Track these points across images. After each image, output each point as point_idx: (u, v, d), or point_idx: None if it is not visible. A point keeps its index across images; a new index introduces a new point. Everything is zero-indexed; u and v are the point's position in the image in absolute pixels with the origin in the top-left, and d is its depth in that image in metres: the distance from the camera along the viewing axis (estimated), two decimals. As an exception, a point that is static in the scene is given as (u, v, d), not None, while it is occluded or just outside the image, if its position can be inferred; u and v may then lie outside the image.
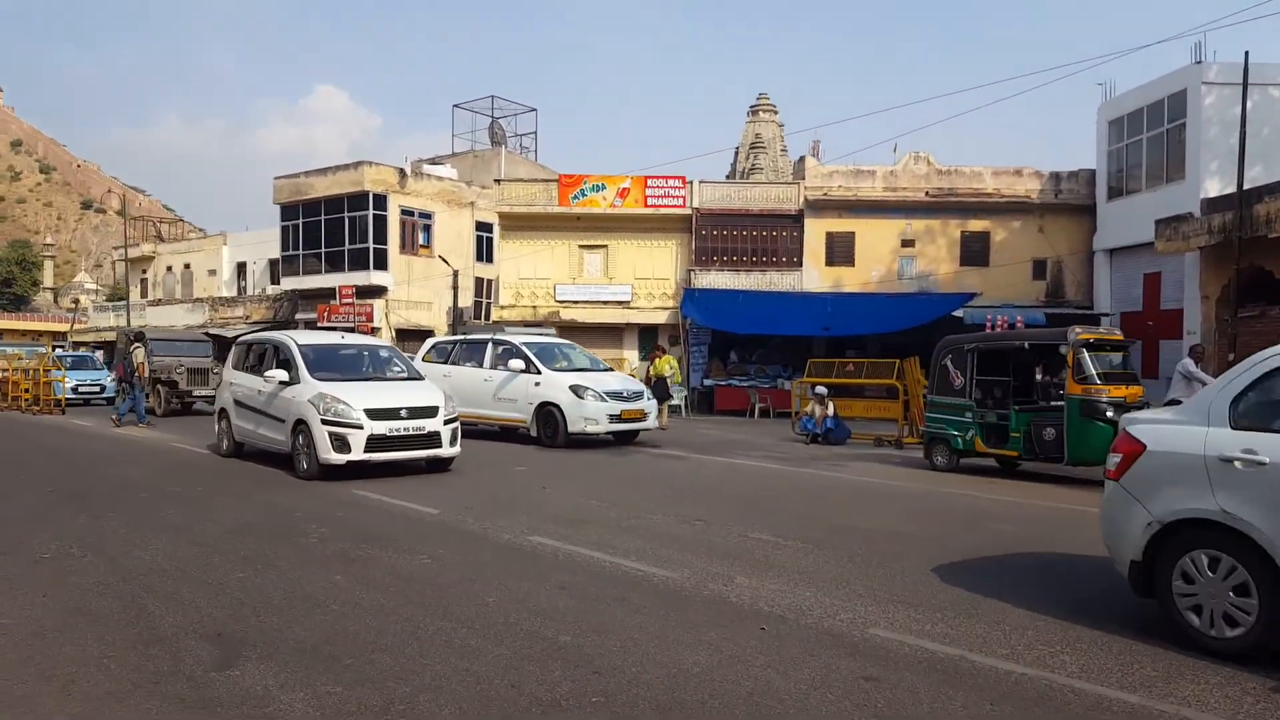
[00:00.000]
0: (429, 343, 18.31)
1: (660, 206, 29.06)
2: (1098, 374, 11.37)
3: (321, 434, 10.64)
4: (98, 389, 26.88)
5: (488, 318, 29.89)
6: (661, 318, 29.74)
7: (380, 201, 33.19)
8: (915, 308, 25.49)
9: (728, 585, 6.07)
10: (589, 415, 14.65)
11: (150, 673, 4.29)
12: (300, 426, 11.02)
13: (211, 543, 7.24)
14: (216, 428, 13.66)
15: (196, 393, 21.88)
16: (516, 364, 15.27)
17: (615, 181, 29.27)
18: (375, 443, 10.82)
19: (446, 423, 11.46)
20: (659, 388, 19.68)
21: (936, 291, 27.84)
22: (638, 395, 15.67)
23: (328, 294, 34.21)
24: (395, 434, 10.98)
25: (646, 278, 29.89)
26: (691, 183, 29.24)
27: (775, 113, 43.25)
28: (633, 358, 30.17)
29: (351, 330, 32.70)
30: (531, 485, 10.68)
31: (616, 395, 15.09)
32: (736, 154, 42.41)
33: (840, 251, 29.16)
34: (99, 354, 38.12)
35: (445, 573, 6.36)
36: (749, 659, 4.60)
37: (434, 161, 37.81)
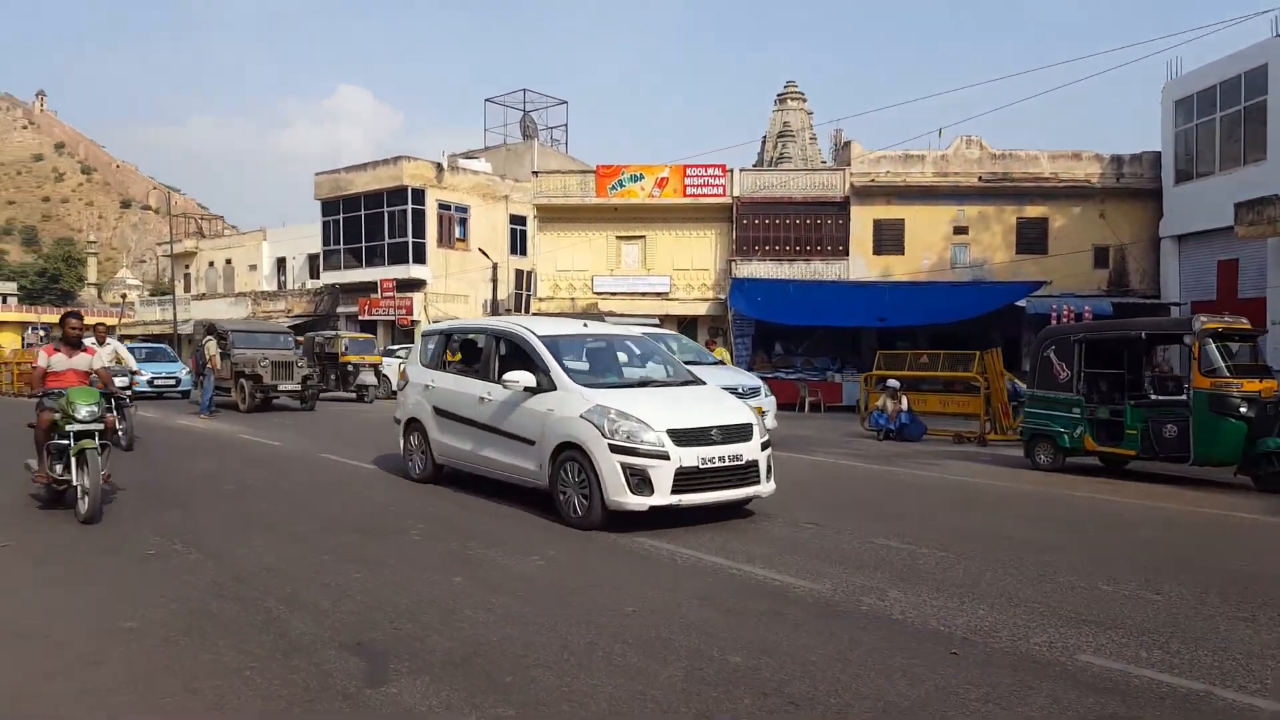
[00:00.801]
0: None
1: (699, 196, 28.37)
2: (1227, 366, 10.50)
3: (612, 466, 7.21)
4: (173, 382, 25.56)
5: (527, 309, 29.43)
6: (701, 309, 29.07)
7: (418, 196, 32.89)
8: (976, 297, 24.54)
9: (883, 599, 5.51)
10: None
11: (301, 688, 4.00)
12: (568, 453, 7.63)
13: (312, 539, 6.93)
14: (403, 443, 10.12)
15: (281, 387, 20.33)
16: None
17: (653, 171, 28.63)
18: (685, 479, 7.31)
19: (762, 446, 7.93)
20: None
21: (991, 281, 26.82)
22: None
23: (368, 287, 34.02)
24: (708, 465, 7.42)
25: (685, 268, 29.23)
26: (731, 171, 28.51)
27: (804, 100, 42.23)
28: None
29: (391, 321, 32.47)
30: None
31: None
32: (764, 143, 41.51)
33: (889, 239, 28.25)
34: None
35: (564, 576, 6.01)
36: (958, 690, 4.02)
37: (468, 156, 37.43)
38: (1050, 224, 28.28)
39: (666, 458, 7.26)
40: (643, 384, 8.68)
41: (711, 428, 7.62)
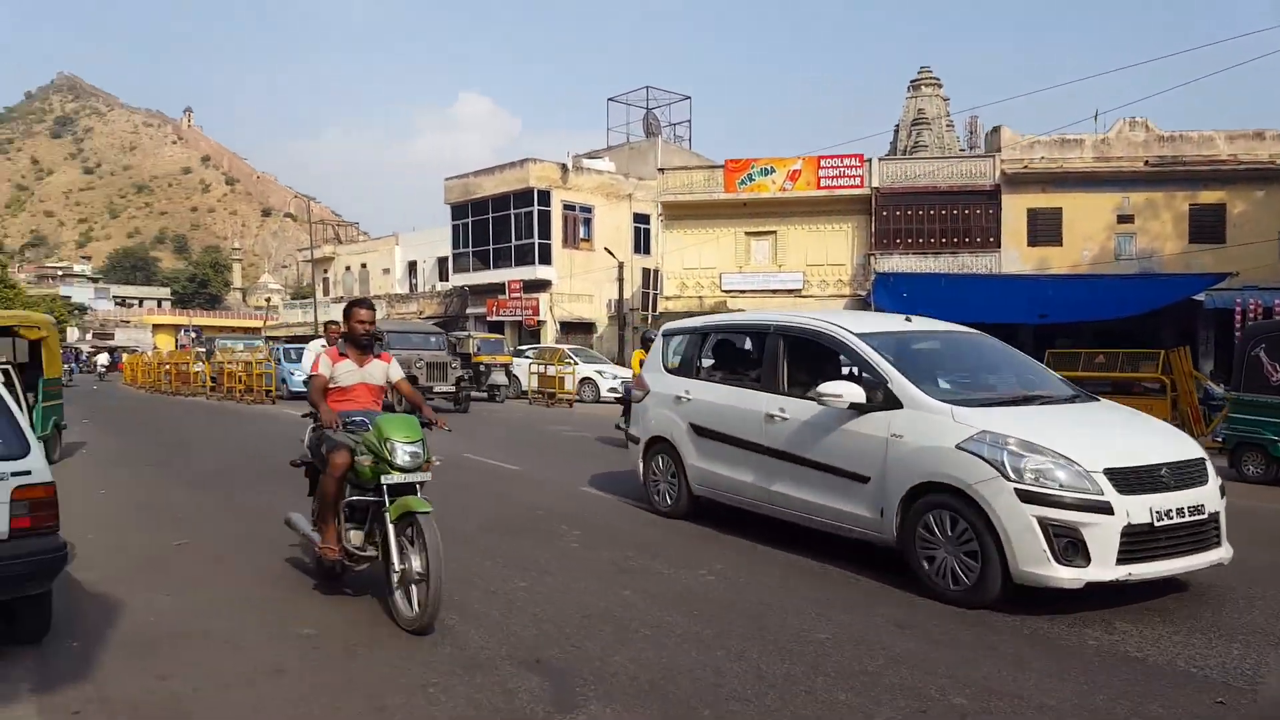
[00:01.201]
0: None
1: (835, 188, 27.01)
2: None
3: (1023, 522, 4.95)
4: None
5: (654, 309, 28.72)
6: (837, 306, 27.61)
7: (544, 197, 32.69)
8: (1149, 291, 22.38)
9: (1110, 631, 4.73)
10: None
11: (489, 709, 3.81)
12: (933, 498, 5.42)
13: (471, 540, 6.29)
14: (643, 467, 8.13)
15: (437, 389, 19.37)
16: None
17: (785, 164, 27.42)
18: (1134, 542, 5.00)
19: (1220, 491, 5.55)
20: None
21: (1162, 273, 24.44)
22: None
23: (495, 289, 34.06)
24: (1165, 522, 5.07)
25: (819, 264, 27.91)
26: (870, 161, 27.02)
27: (939, 86, 40.17)
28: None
29: (520, 321, 32.37)
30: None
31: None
32: (896, 131, 39.65)
33: (1045, 230, 26.19)
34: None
35: (738, 593, 5.53)
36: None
37: (591, 156, 37.05)
38: (1229, 210, 25.66)
39: (1109, 510, 4.92)
40: (1027, 400, 6.09)
41: (1160, 465, 5.26)
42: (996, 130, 26.54)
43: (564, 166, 33.18)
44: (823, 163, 27.02)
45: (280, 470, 10.17)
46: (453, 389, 19.78)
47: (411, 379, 17.56)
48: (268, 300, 75.67)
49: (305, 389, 23.57)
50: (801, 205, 27.51)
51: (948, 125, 40.08)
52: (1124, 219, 25.99)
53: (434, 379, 19.34)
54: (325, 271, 55.03)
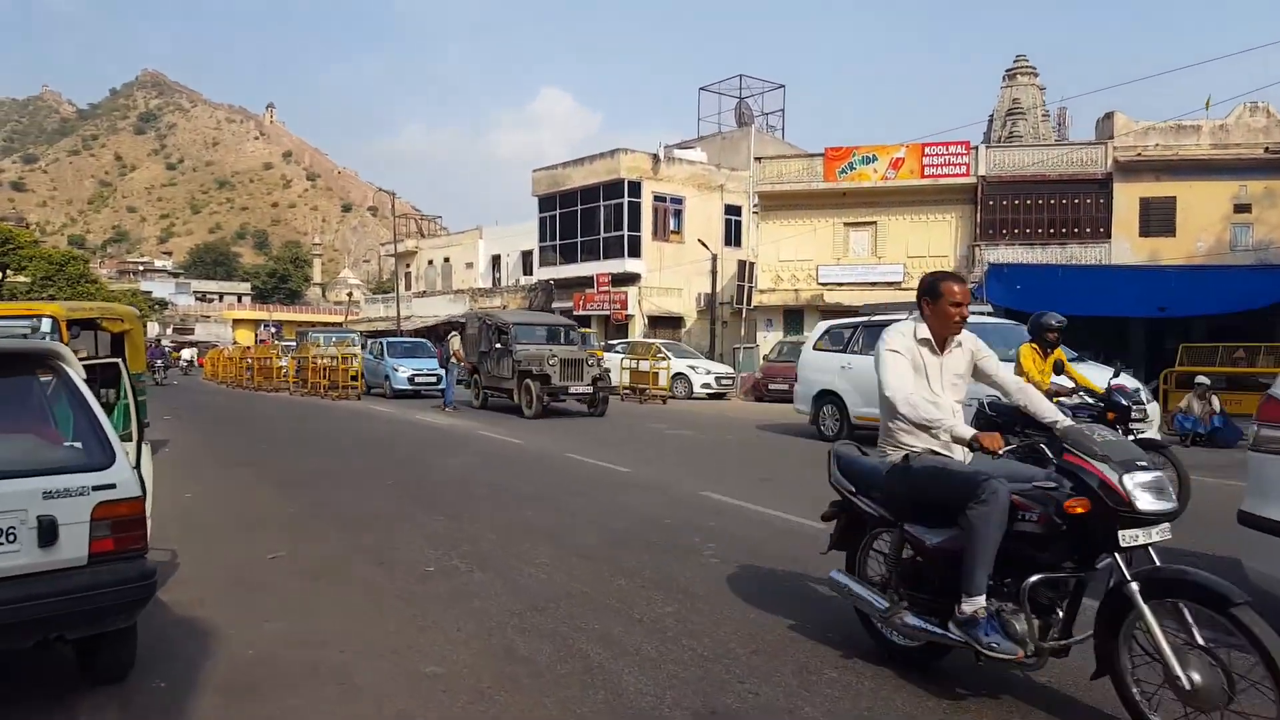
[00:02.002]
0: (821, 327, 14.24)
1: (939, 176, 26.51)
2: None
3: None
4: (434, 379, 23.08)
5: (749, 302, 28.56)
6: (940, 300, 27.16)
7: (634, 188, 32.67)
8: (1267, 283, 21.48)
9: None
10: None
11: None
12: None
13: (600, 556, 6.16)
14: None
15: (572, 390, 17.18)
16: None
17: (887, 152, 27.01)
18: None
19: None
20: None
21: (1273, 264, 23.41)
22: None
23: (582, 282, 34.19)
24: None
25: (920, 256, 27.39)
26: (976, 148, 26.47)
27: (1035, 75, 39.18)
28: (906, 344, 27.78)
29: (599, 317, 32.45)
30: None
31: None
32: (990, 121, 38.73)
33: (1158, 220, 25.36)
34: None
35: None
36: None
37: (682, 146, 36.95)
38: (1355, 198, 24.55)
39: None
40: None
41: None
42: (1110, 117, 25.75)
43: (655, 157, 33.13)
44: (927, 150, 26.54)
45: (380, 473, 10.27)
46: (589, 389, 17.38)
47: (544, 377, 16.51)
48: (349, 295, 77.29)
49: (408, 388, 22.75)
50: (903, 195, 27.08)
51: (1043, 115, 39.06)
52: (1240, 208, 25.03)
53: (568, 378, 17.04)
54: (408, 266, 55.93)
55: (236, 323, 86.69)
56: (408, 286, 54.09)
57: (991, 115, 39.35)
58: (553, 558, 6.13)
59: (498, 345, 18.46)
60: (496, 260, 48.88)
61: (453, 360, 19.87)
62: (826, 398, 13.01)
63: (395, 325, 46.28)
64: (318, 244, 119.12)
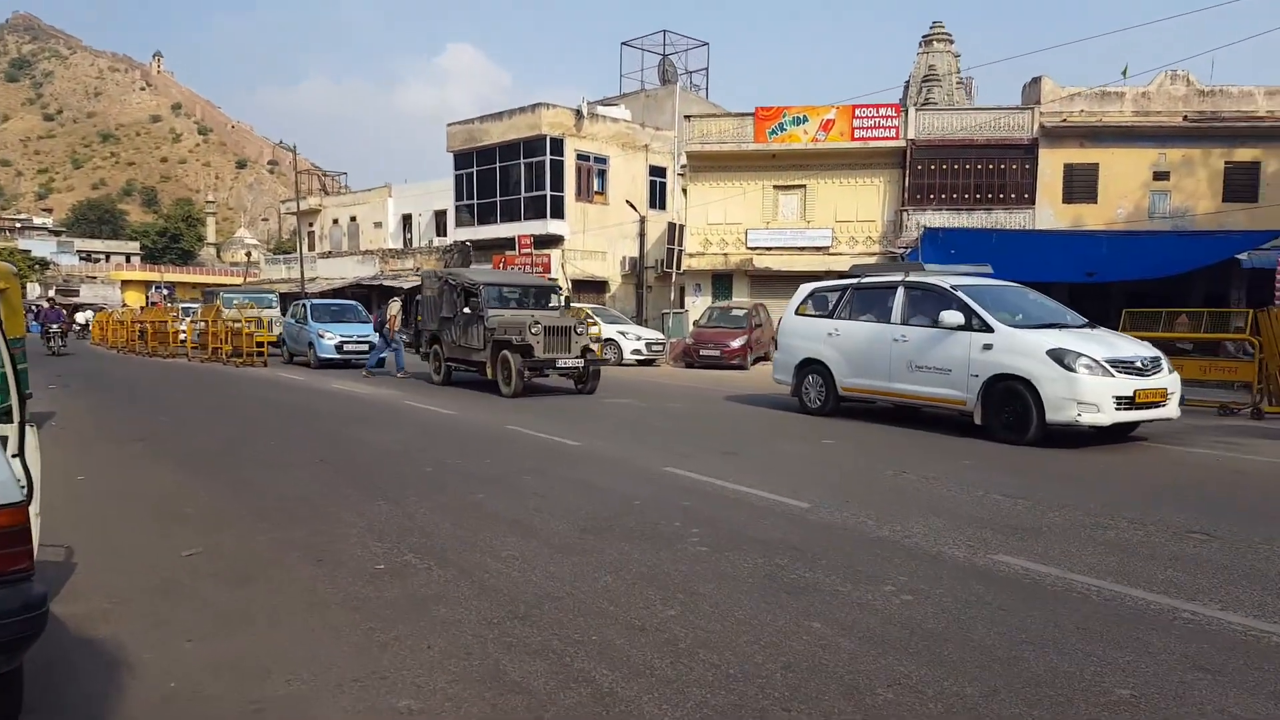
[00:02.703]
0: (805, 290, 12.96)
1: (869, 139, 26.18)
2: None
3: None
4: (365, 348, 20.36)
5: (678, 266, 27.85)
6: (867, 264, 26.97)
7: (556, 146, 31.44)
8: (1202, 249, 21.85)
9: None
10: (1084, 397, 9.11)
11: None
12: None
13: (575, 547, 5.35)
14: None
15: (560, 363, 14.38)
16: (950, 317, 10.06)
17: (818, 113, 26.52)
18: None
19: None
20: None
21: (1205, 230, 23.91)
22: (1155, 365, 9.74)
23: (502, 244, 32.90)
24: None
25: (849, 220, 27.15)
26: (906, 111, 26.21)
27: (951, 42, 39.50)
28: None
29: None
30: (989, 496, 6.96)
31: (1128, 366, 9.45)
32: (906, 88, 38.90)
33: (1080, 186, 25.61)
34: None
35: (966, 625, 4.20)
36: None
37: (605, 103, 35.80)
38: (1263, 169, 25.21)
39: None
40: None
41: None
42: (1036, 81, 25.78)
43: (578, 113, 31.92)
44: (857, 112, 26.15)
45: (304, 449, 9.08)
46: (577, 363, 14.52)
47: (524, 349, 14.00)
48: (247, 255, 73.79)
49: (336, 356, 19.85)
50: (832, 157, 26.67)
51: (958, 83, 39.40)
52: (1159, 176, 25.46)
53: (554, 349, 14.28)
54: (311, 225, 53.32)
55: (125, 284, 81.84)
56: (311, 247, 51.58)
57: (908, 81, 39.43)
58: (521, 550, 5.30)
59: (465, 310, 15.49)
60: (407, 220, 46.98)
61: (387, 328, 19.00)
62: (810, 367, 12.18)
63: (300, 287, 44.08)
64: (211, 202, 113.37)
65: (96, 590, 4.57)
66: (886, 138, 25.96)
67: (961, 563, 5.11)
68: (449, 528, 5.82)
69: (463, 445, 9.42)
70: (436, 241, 43.09)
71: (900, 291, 11.01)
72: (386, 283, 39.79)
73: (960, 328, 9.97)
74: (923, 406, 11.09)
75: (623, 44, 39.48)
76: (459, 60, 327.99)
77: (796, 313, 12.74)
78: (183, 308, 36.44)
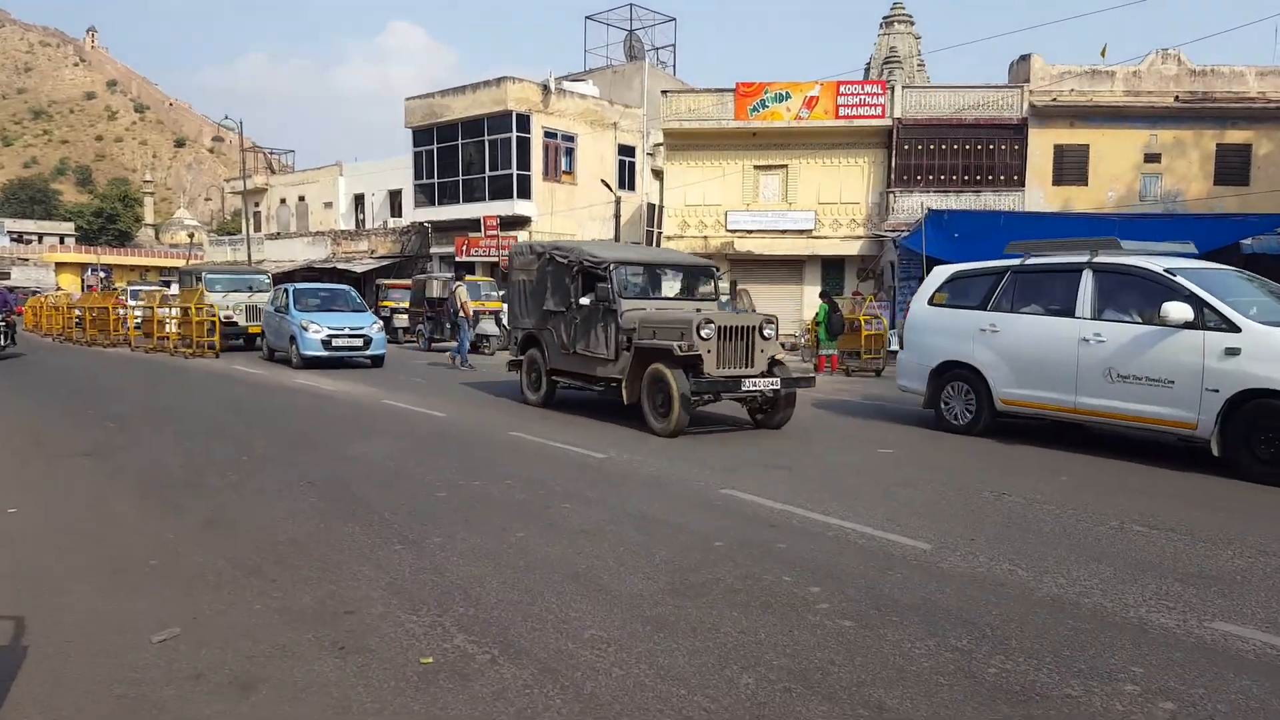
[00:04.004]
0: (941, 274, 10.32)
1: (854, 117, 25.13)
2: None
3: None
4: (360, 342, 17.38)
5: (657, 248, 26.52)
6: (851, 248, 26.03)
7: (523, 122, 29.87)
8: (1213, 233, 21.04)
9: None
10: None
11: None
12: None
13: (675, 619, 4.11)
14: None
15: (749, 384, 9.53)
16: (1176, 310, 7.68)
17: (801, 90, 25.40)
18: None
19: None
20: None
21: (1201, 214, 23.26)
22: None
23: (464, 225, 31.33)
24: None
25: (833, 202, 26.13)
26: (893, 88, 25.20)
27: (911, 24, 38.84)
28: (815, 295, 26.58)
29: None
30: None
31: None
32: (867, 71, 38.13)
33: (1071, 168, 24.90)
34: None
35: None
36: None
37: (572, 79, 34.26)
38: (1254, 151, 24.79)
39: None
40: None
41: None
42: (1025, 59, 24.96)
43: (545, 88, 30.35)
44: (842, 89, 25.09)
45: (284, 465, 7.53)
46: (771, 384, 9.71)
47: (691, 362, 9.33)
48: (190, 236, 70.68)
49: (324, 353, 16.15)
50: (816, 136, 25.59)
51: (919, 65, 38.74)
52: (1151, 158, 24.86)
53: (733, 362, 9.58)
54: (256, 205, 50.98)
55: (60, 266, 78.03)
56: (257, 227, 49.26)
57: (869, 63, 38.63)
58: (606, 624, 4.03)
59: (582, 301, 10.77)
60: (360, 200, 45.00)
61: (462, 316, 18.12)
62: (953, 372, 9.68)
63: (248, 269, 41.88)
64: (149, 181, 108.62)
65: (41, 708, 3.20)
66: (872, 116, 24.93)
67: (1182, 636, 3.97)
68: (496, 586, 4.53)
69: (469, 458, 8.09)
70: (392, 223, 41.27)
71: (1088, 277, 8.53)
72: (339, 265, 37.91)
73: (1188, 325, 7.59)
74: (1126, 429, 8.59)
75: (587, 18, 38.02)
76: (401, 39, 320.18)
77: (931, 302, 10.14)
78: (133, 290, 34.05)
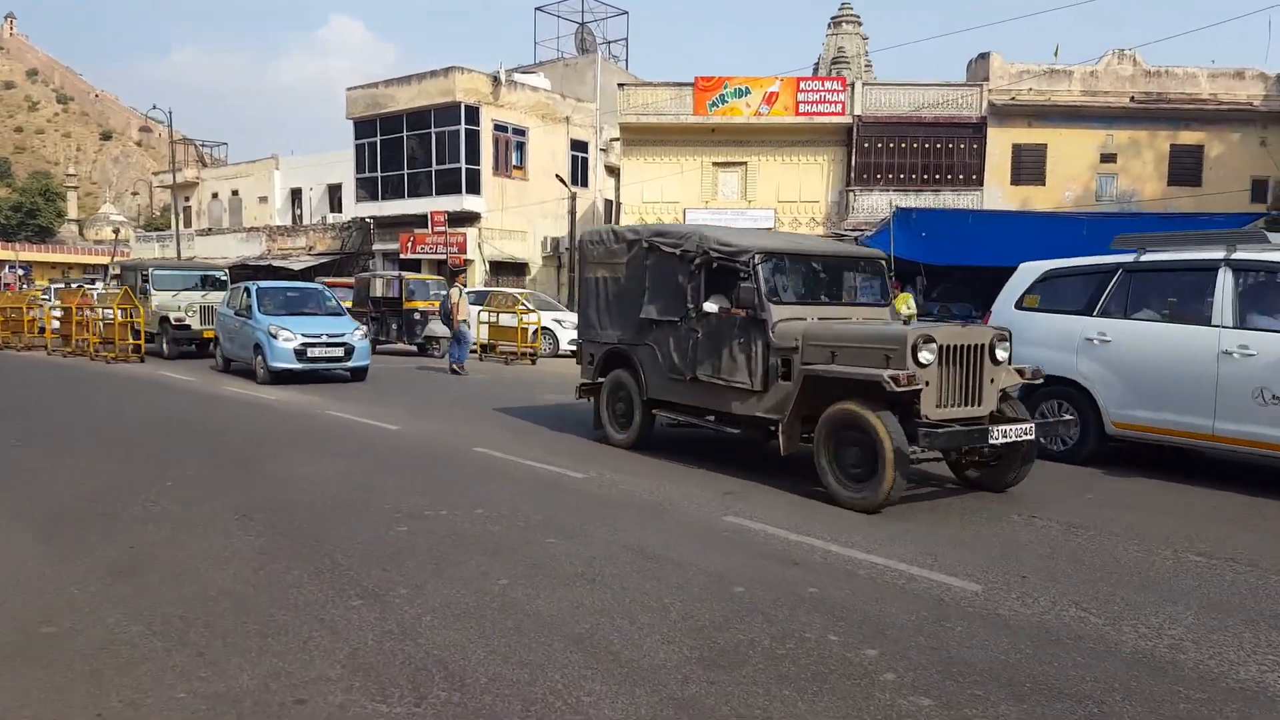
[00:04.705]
0: (1032, 271, 8.78)
1: (814, 114, 24.61)
2: None
3: None
4: (339, 352, 14.60)
5: (613, 247, 25.62)
6: (810, 247, 25.47)
7: (472, 114, 28.77)
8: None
9: None
10: None
11: None
12: None
13: (715, 709, 3.32)
14: None
15: (999, 436, 6.40)
16: None
17: (761, 85, 24.80)
18: None
19: None
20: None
21: (1141, 213, 23.22)
22: None
23: (409, 221, 30.11)
24: None
25: (792, 200, 25.61)
26: (853, 85, 24.74)
27: (859, 24, 38.73)
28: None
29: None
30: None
31: None
32: (815, 71, 37.92)
33: (1029, 167, 24.74)
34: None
35: None
36: None
37: (523, 71, 33.24)
38: (1206, 152, 24.90)
39: None
40: None
41: None
42: (985, 57, 24.71)
43: (495, 79, 29.28)
44: (802, 85, 24.58)
45: (215, 491, 6.51)
46: (1023, 432, 6.57)
47: (900, 404, 6.36)
48: (115, 232, 67.73)
49: (298, 366, 13.86)
50: (775, 133, 25.02)
51: (866, 65, 38.63)
52: (1107, 158, 24.83)
53: (957, 398, 6.57)
54: (187, 199, 48.86)
55: (-26, 264, 74.21)
56: (188, 223, 47.22)
57: (817, 63, 38.38)
58: (633, 715, 3.22)
59: (707, 308, 7.82)
60: (297, 195, 43.39)
61: (453, 316, 16.67)
62: (1050, 389, 7.99)
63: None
64: (72, 175, 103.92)
65: None
66: (832, 113, 24.45)
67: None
68: (483, 657, 3.66)
69: (430, 480, 7.18)
70: (331, 218, 39.81)
71: (1225, 276, 7.09)
72: (275, 263, 36.32)
73: None
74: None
75: (536, 9, 36.98)
76: (341, 34, 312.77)
77: (1019, 306, 8.58)
78: (54, 288, 32.00)
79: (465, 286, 17.96)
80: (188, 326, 18.92)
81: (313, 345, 14.30)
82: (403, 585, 4.54)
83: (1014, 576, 4.82)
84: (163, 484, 6.92)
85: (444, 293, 18.63)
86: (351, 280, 26.52)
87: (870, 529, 5.75)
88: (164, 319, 18.98)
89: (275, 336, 14.19)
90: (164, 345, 19.06)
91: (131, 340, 18.20)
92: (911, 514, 6.26)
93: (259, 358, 14.47)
